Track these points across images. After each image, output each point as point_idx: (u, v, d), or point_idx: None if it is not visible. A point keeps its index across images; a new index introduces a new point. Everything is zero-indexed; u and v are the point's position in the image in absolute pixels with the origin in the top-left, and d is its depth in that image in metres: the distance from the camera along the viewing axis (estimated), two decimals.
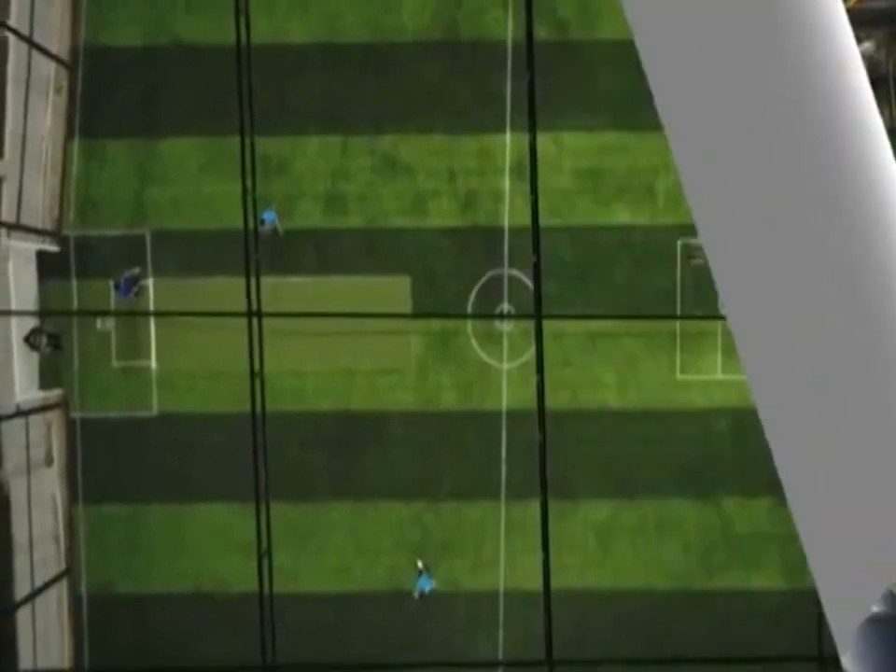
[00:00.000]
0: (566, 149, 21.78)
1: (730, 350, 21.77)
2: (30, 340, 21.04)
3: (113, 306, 21.92)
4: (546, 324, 15.77)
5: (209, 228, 21.83)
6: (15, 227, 20.50)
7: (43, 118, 21.42)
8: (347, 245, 21.92)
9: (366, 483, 21.97)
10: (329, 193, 21.96)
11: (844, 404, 1.59)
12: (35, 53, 20.75)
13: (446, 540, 21.92)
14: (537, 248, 15.06)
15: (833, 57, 1.61)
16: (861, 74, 1.63)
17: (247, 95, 16.99)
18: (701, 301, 21.66)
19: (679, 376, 22.01)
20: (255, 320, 16.48)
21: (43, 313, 21.51)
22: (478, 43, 21.82)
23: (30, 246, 21.31)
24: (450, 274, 21.91)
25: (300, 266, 21.75)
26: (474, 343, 22.12)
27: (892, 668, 1.72)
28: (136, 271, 21.73)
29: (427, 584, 21.10)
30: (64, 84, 21.73)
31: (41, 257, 21.69)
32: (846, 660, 1.70)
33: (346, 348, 21.66)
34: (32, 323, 21.20)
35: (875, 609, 1.66)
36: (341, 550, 22.03)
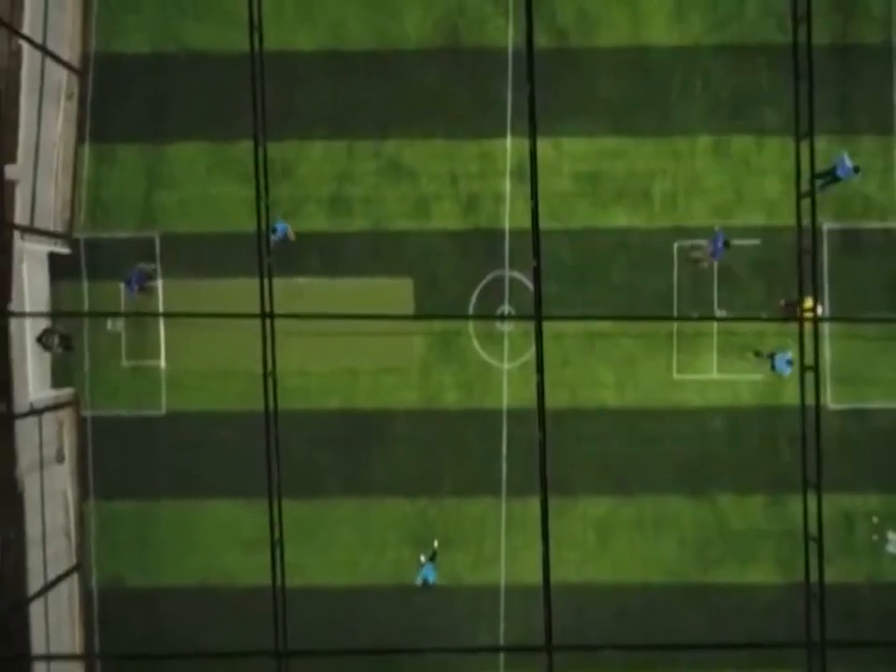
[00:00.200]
0: (565, 154, 22.05)
1: (725, 350, 22.14)
2: (42, 340, 21.28)
3: (123, 307, 22.16)
4: (546, 325, 15.95)
5: (216, 230, 22.15)
6: (29, 230, 20.76)
7: (55, 123, 21.70)
8: (352, 247, 22.21)
9: (371, 480, 22.23)
10: (334, 196, 22.25)
11: None
12: (47, 60, 20.98)
13: (449, 536, 22.15)
14: (537, 253, 15.40)
15: None
16: None
17: (261, 104, 17.30)
18: (697, 302, 22.02)
19: (675, 376, 22.22)
20: (268, 321, 16.85)
21: (55, 313, 21.76)
22: (479, 50, 22.09)
23: (42, 248, 21.57)
24: (452, 276, 22.17)
25: (305, 267, 22.05)
26: (476, 343, 22.38)
27: None
28: (151, 267, 22.08)
29: (430, 575, 21.33)
30: (76, 90, 22.04)
31: (53, 258, 21.99)
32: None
33: (351, 348, 21.92)
34: (44, 324, 21.44)
35: None
36: (347, 545, 22.30)
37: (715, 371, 22.19)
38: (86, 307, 22.28)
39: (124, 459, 22.39)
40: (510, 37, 22.06)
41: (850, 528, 22.07)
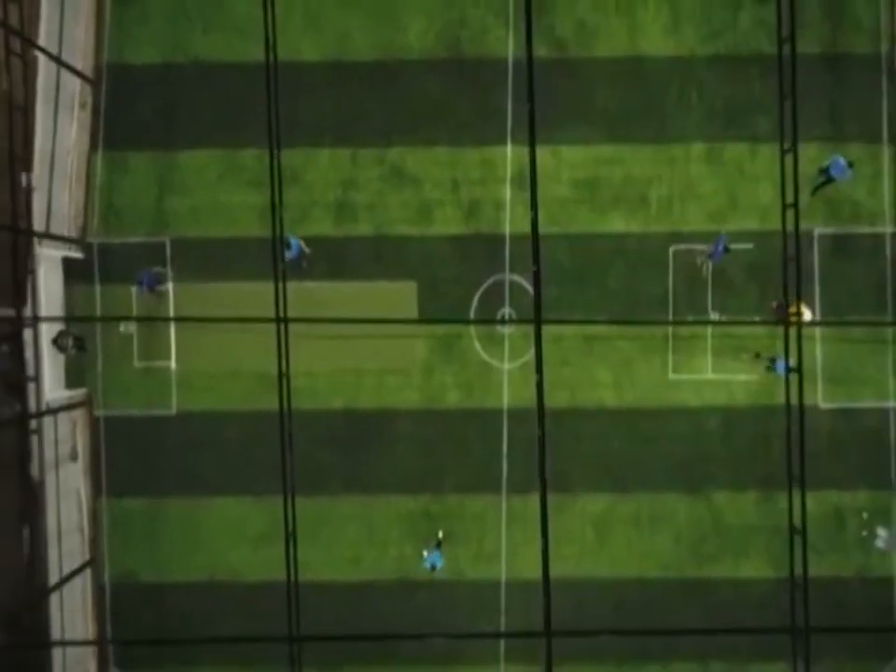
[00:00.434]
0: (564, 161, 22.35)
1: (719, 352, 22.52)
2: (57, 342, 21.60)
3: (135, 309, 22.51)
4: (545, 327, 16.28)
5: (225, 235, 22.50)
6: (45, 235, 21.16)
7: (69, 131, 21.99)
8: (356, 251, 22.52)
9: (374, 478, 22.51)
10: (340, 203, 22.55)
11: None
12: (62, 71, 21.33)
13: (451, 532, 22.42)
14: (537, 260, 15.84)
15: None
16: None
17: (275, 116, 17.59)
18: (692, 304, 22.37)
19: (671, 376, 22.54)
20: (282, 325, 17.41)
21: (70, 318, 22.07)
22: (480, 61, 22.39)
23: (57, 253, 21.94)
24: (454, 280, 22.48)
25: (311, 271, 22.33)
26: (477, 344, 22.66)
27: None
28: (161, 271, 22.48)
29: (438, 561, 21.58)
30: (89, 100, 22.33)
31: (67, 263, 22.38)
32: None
33: (355, 350, 22.25)
34: (59, 326, 21.80)
35: None
36: (351, 541, 22.60)
37: (710, 372, 22.52)
38: (98, 310, 22.61)
39: (136, 458, 22.71)
40: (510, 48, 22.38)
41: (841, 524, 22.44)
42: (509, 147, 22.44)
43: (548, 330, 16.77)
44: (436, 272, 22.55)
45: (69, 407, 22.17)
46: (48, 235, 21.34)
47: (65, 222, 22.25)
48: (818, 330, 22.37)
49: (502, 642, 22.57)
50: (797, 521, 18.12)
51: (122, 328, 22.74)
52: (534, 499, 17.37)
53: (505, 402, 22.58)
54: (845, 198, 22.36)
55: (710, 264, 22.24)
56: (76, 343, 21.99)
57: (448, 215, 22.60)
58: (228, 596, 22.69)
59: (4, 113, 19.82)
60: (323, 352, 22.20)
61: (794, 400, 17.93)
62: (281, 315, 17.48)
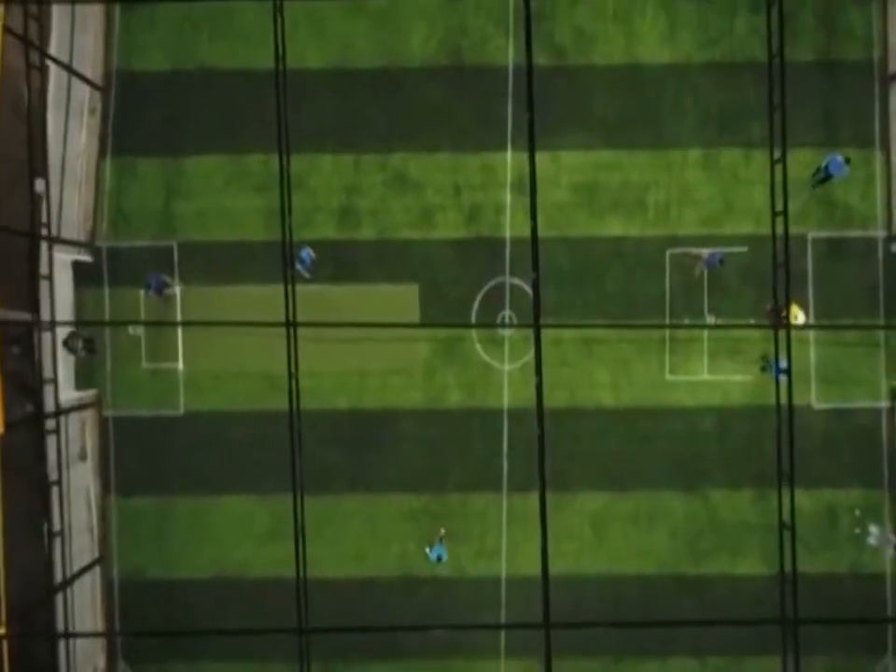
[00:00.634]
0: (563, 166, 22.65)
1: (715, 353, 22.81)
2: (67, 344, 21.90)
3: (143, 312, 22.77)
4: (545, 329, 16.67)
5: (232, 239, 22.80)
6: (56, 240, 21.49)
7: (79, 137, 22.29)
8: (360, 255, 22.81)
9: (378, 477, 22.77)
10: (343, 207, 22.85)
11: None
12: (72, 79, 21.64)
13: (452, 529, 22.65)
14: (536, 267, 16.18)
15: None
16: None
17: (285, 128, 17.88)
18: (688, 306, 22.68)
19: (668, 377, 22.83)
20: (291, 329, 17.86)
21: (80, 322, 22.31)
22: (481, 68, 22.68)
23: (67, 257, 22.25)
24: (455, 283, 22.77)
25: (316, 275, 22.57)
26: (478, 346, 22.93)
27: None
28: (169, 282, 22.79)
29: (443, 553, 21.85)
30: (98, 106, 22.64)
31: (76, 266, 22.69)
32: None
33: (359, 351, 22.54)
34: (69, 328, 22.08)
35: None
36: (355, 538, 22.88)
37: (706, 373, 22.79)
38: (107, 312, 22.89)
39: (144, 457, 22.99)
40: (510, 56, 22.66)
41: (834, 522, 22.73)
42: (509, 153, 22.72)
43: (547, 333, 17.17)
44: (438, 275, 22.83)
45: (79, 408, 22.46)
46: (59, 240, 21.67)
47: (75, 226, 22.56)
48: (811, 333, 22.64)
49: (503, 637, 22.82)
50: (787, 517, 18.48)
51: (131, 330, 23.05)
52: (534, 497, 17.61)
53: (505, 402, 22.83)
54: (838, 202, 22.68)
55: (706, 270, 22.57)
56: (85, 344, 22.31)
57: (449, 219, 22.89)
58: (234, 593, 22.98)
59: (22, 123, 20.08)
60: (328, 353, 22.47)
61: (787, 401, 18.29)
62: (291, 319, 17.89)
